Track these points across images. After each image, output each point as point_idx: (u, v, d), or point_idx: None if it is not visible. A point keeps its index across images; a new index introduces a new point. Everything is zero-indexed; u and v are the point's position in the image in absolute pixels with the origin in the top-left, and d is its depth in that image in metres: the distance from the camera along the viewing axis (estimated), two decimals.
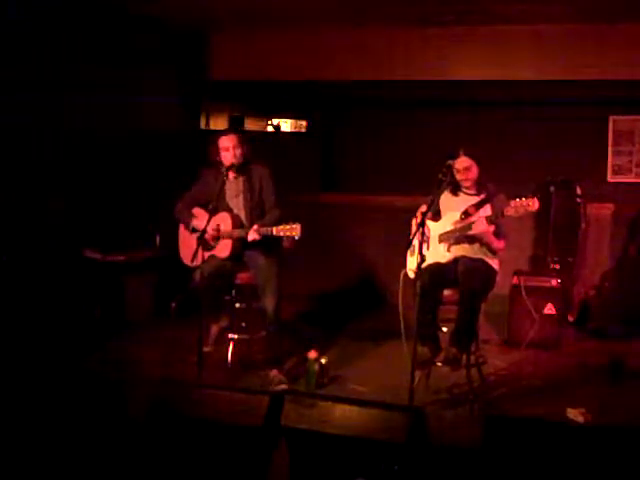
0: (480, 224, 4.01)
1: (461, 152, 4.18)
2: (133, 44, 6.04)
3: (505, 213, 3.86)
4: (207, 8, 5.96)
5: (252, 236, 4.19)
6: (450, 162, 4.00)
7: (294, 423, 3.01)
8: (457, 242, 4.18)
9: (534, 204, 3.75)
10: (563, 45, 6.04)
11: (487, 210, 4.10)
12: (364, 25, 6.38)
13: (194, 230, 4.43)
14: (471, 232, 4.07)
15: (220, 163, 4.39)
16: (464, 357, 4.10)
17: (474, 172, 4.21)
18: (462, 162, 4.19)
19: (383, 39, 6.48)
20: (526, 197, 3.77)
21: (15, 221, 5.07)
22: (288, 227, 4.02)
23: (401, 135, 6.97)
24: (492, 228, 4.04)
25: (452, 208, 4.26)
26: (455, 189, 4.30)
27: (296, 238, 3.99)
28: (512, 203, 3.80)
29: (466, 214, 4.16)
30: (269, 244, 4.27)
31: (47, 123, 5.25)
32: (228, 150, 4.36)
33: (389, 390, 4.06)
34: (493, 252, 4.18)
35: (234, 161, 4.35)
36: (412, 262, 4.17)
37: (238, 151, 4.37)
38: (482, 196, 4.20)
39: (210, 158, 4.45)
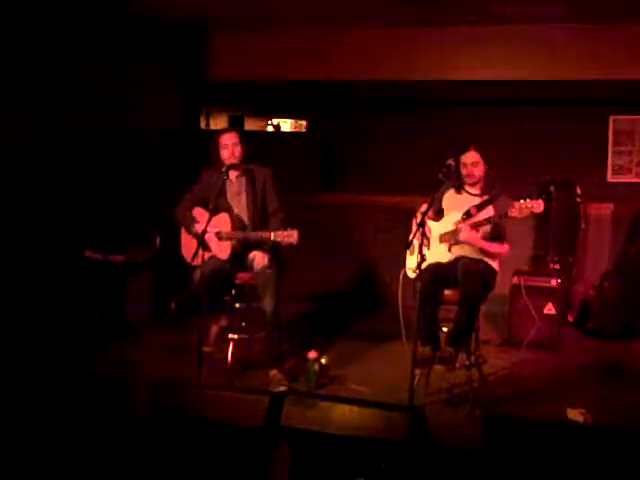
0: (465, 231, 4.01)
1: (472, 147, 4.18)
2: (133, 44, 6.03)
3: (509, 214, 3.84)
4: (207, 8, 5.96)
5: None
6: (451, 162, 3.99)
7: (294, 423, 3.01)
8: (458, 242, 4.18)
9: (539, 206, 3.75)
10: (563, 45, 6.04)
11: (490, 211, 4.09)
12: (364, 25, 6.38)
13: (196, 235, 4.43)
14: (460, 238, 4.07)
15: (220, 162, 4.39)
16: (462, 357, 4.10)
17: (480, 170, 4.19)
18: (471, 157, 4.18)
19: (383, 39, 6.49)
20: (531, 198, 3.76)
21: (15, 221, 5.07)
22: (286, 233, 4.03)
23: (401, 135, 6.96)
24: (477, 234, 4.04)
25: (455, 207, 4.25)
26: (460, 187, 4.29)
27: (294, 244, 4.01)
28: (516, 205, 3.78)
29: (468, 214, 4.15)
30: (269, 245, 4.27)
31: (47, 123, 5.25)
32: (228, 148, 4.36)
33: (389, 390, 4.06)
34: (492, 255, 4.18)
35: (233, 160, 4.35)
36: (412, 261, 4.17)
37: (237, 149, 4.37)
38: (485, 197, 4.20)
39: (211, 157, 4.45)
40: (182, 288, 4.56)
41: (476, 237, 4.04)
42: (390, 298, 4.32)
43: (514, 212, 3.80)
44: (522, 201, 3.77)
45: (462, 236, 4.04)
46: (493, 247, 4.11)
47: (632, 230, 6.03)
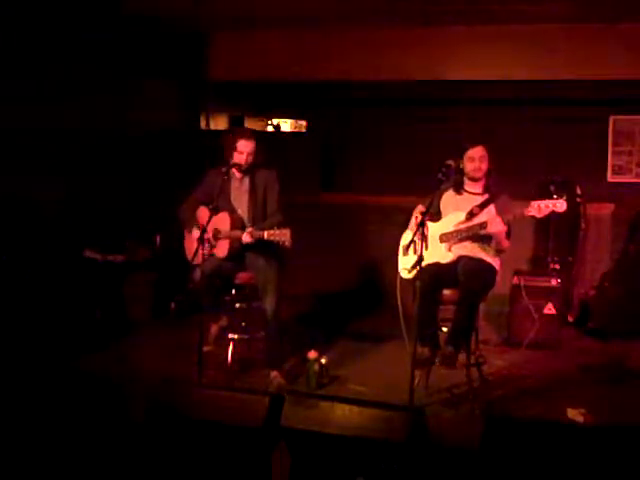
0: (495, 224, 4.01)
1: (478, 144, 4.22)
2: (133, 44, 6.03)
3: (526, 213, 3.84)
4: (207, 8, 5.96)
5: (245, 239, 4.22)
6: (450, 162, 3.99)
7: (294, 423, 3.02)
8: (459, 241, 4.18)
9: (562, 205, 3.75)
10: (563, 45, 6.04)
11: (491, 209, 4.10)
12: (364, 25, 6.38)
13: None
14: (485, 231, 4.07)
15: (227, 162, 4.39)
16: (463, 357, 4.10)
17: (485, 165, 4.22)
18: (479, 151, 4.20)
19: (383, 39, 6.49)
20: (552, 198, 3.77)
21: (15, 221, 5.07)
22: (278, 232, 4.05)
23: (401, 135, 6.97)
24: (506, 228, 4.05)
25: (455, 208, 4.26)
26: (459, 188, 4.30)
27: (287, 243, 4.02)
28: (535, 204, 3.78)
29: (471, 214, 4.16)
30: (269, 245, 4.27)
31: (47, 123, 5.25)
32: (243, 154, 4.37)
33: (389, 390, 4.05)
34: (495, 251, 4.18)
35: (243, 166, 4.38)
36: (405, 262, 4.21)
37: (251, 157, 4.40)
38: (486, 196, 4.20)
39: (218, 156, 4.45)
40: (182, 288, 4.56)
41: (503, 231, 4.04)
42: (390, 298, 4.32)
43: (532, 211, 3.79)
44: (542, 200, 3.77)
45: (492, 228, 4.01)
46: (505, 243, 4.14)
47: (632, 230, 6.03)
